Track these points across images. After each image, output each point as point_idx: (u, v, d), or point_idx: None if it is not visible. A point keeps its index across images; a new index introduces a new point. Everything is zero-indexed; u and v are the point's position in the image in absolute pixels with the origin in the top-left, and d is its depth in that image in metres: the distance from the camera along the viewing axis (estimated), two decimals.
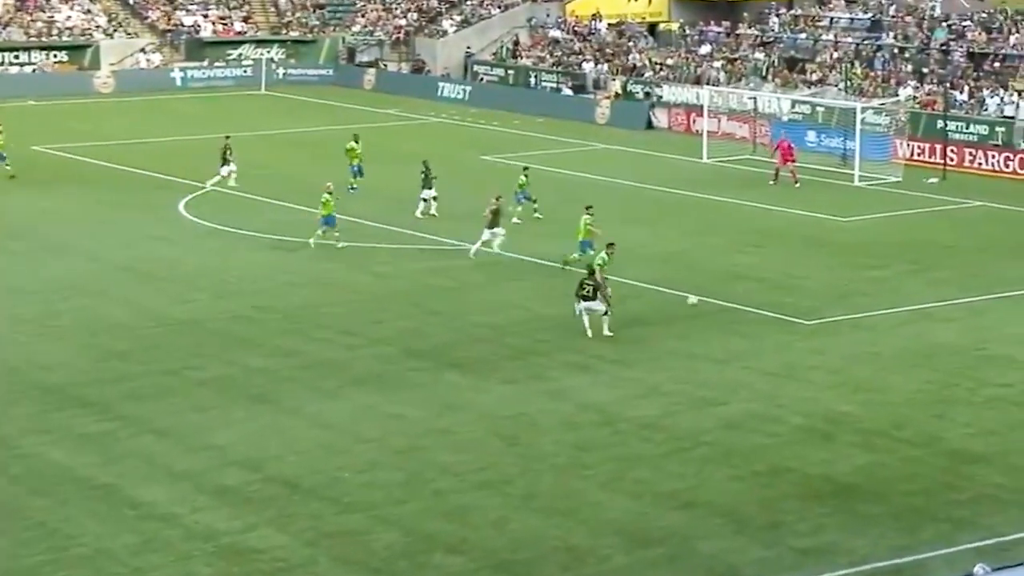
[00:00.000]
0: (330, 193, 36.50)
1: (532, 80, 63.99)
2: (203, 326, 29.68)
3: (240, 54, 70.27)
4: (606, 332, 28.79)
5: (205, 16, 71.96)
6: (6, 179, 45.27)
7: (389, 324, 30.07)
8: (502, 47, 66.99)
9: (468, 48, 68.19)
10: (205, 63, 69.30)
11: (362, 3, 74.19)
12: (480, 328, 29.82)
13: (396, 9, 72.94)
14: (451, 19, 70.43)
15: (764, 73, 57.14)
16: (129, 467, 22.20)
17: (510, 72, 65.09)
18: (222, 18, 72.29)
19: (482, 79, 65.91)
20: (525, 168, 41.17)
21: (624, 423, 24.21)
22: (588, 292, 29.03)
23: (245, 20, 72.46)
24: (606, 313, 28.78)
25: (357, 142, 44.18)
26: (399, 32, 70.67)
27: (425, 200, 40.07)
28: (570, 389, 25.93)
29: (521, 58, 65.93)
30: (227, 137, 44.62)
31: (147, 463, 22.37)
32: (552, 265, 34.47)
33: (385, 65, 69.63)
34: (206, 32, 71.05)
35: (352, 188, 42.95)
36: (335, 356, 27.88)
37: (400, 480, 21.78)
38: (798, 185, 43.93)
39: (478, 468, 22.28)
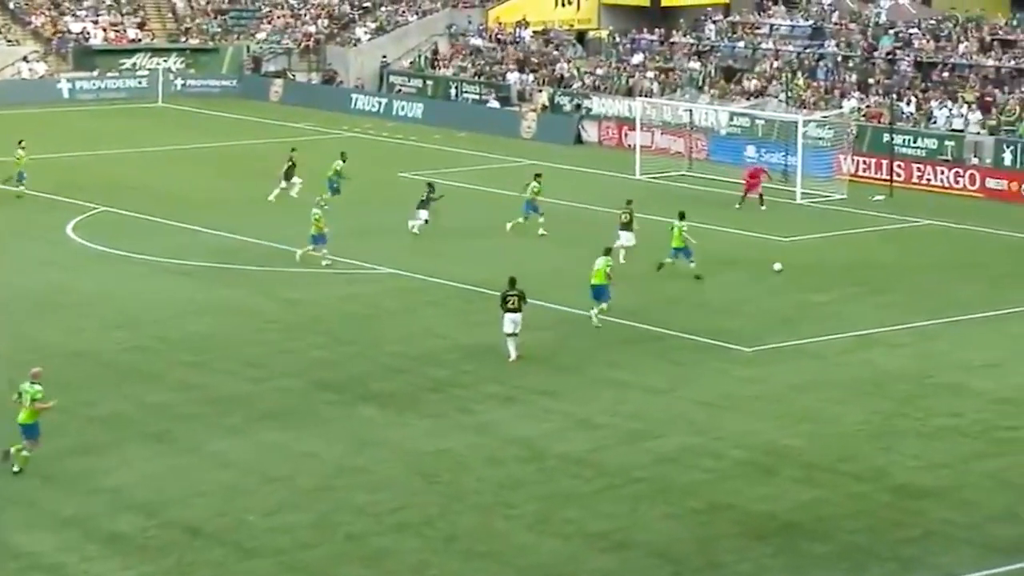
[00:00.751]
0: (321, 208, 37.07)
1: (453, 92, 64.26)
2: (95, 358, 29.45)
3: (134, 64, 69.88)
4: (514, 354, 29.13)
5: (95, 22, 71.45)
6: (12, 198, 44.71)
7: (299, 355, 30.02)
8: (420, 56, 67.22)
9: (383, 57, 68.35)
10: (95, 73, 68.80)
11: (268, 9, 74.14)
12: (397, 358, 29.86)
13: (305, 15, 72.96)
14: (365, 26, 70.57)
15: (700, 84, 57.82)
16: (11, 514, 21.97)
17: (429, 83, 65.32)
18: (114, 24, 71.84)
19: (399, 90, 66.09)
20: (537, 175, 41.69)
21: (552, 459, 24.33)
22: (513, 304, 29.22)
23: (140, 27, 72.06)
24: (514, 335, 29.08)
25: (344, 160, 45.16)
26: (308, 40, 70.67)
27: (426, 221, 40.53)
28: (494, 423, 26.06)
29: (441, 68, 66.20)
30: (293, 150, 46.42)
31: (31, 509, 22.15)
32: (474, 289, 34.57)
33: (293, 75, 69.58)
34: (96, 40, 70.55)
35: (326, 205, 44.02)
36: (240, 390, 27.78)
37: (310, 522, 21.75)
38: (764, 208, 44.32)
39: (395, 508, 22.31)
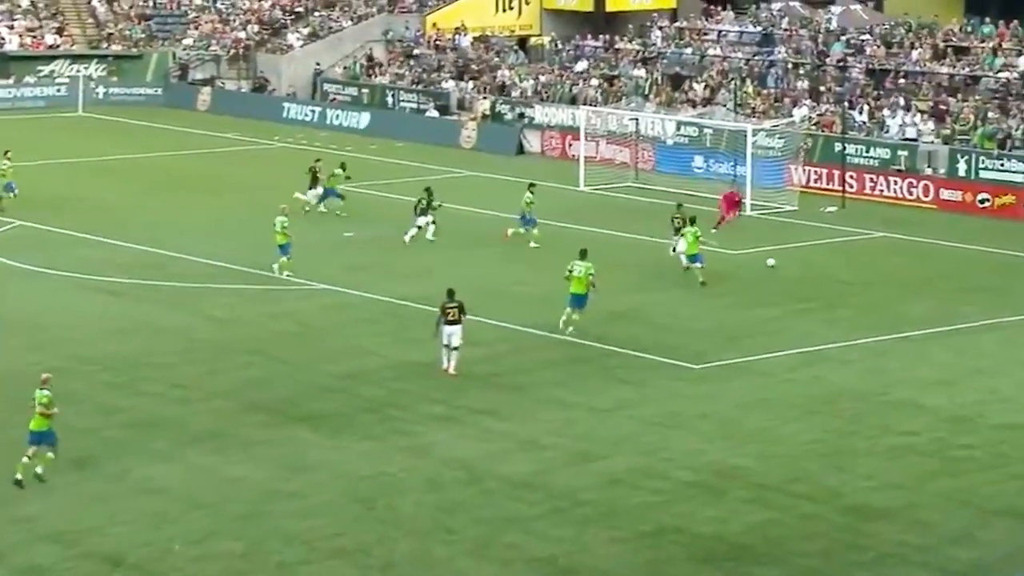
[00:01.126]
0: (286, 216, 37.37)
1: (390, 100, 64.29)
2: (11, 380, 29.17)
3: (53, 71, 69.34)
4: (451, 370, 29.39)
5: (10, 27, 70.84)
6: None
7: (228, 375, 29.91)
8: (355, 63, 67.20)
9: (317, 65, 68.25)
10: (11, 81, 68.23)
11: (195, 14, 73.84)
12: (331, 378, 29.81)
13: (234, 21, 72.73)
14: (297, 32, 70.46)
15: (646, 92, 58.16)
16: None
17: (365, 91, 65.28)
18: (31, 30, 71.23)
19: (333, 99, 66.01)
20: (531, 185, 42.19)
21: (494, 481, 24.37)
22: (453, 316, 29.32)
23: (59, 32, 71.51)
24: (455, 349, 29.34)
25: (344, 169, 45.79)
26: (238, 46, 70.44)
27: (419, 227, 40.88)
28: (433, 444, 26.07)
29: (377, 76, 66.21)
30: (317, 160, 46.70)
31: None
32: (410, 305, 34.57)
33: (222, 83, 69.33)
34: (12, 45, 69.94)
35: (332, 211, 44.79)
36: (166, 412, 27.65)
37: (240, 551, 21.66)
38: (715, 231, 43.61)
39: (330, 535, 22.26)
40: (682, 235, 37.69)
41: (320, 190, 45.29)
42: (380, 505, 23.43)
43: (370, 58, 67.30)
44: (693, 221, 37.56)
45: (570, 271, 32.27)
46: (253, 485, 24.17)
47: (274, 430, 26.78)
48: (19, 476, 23.74)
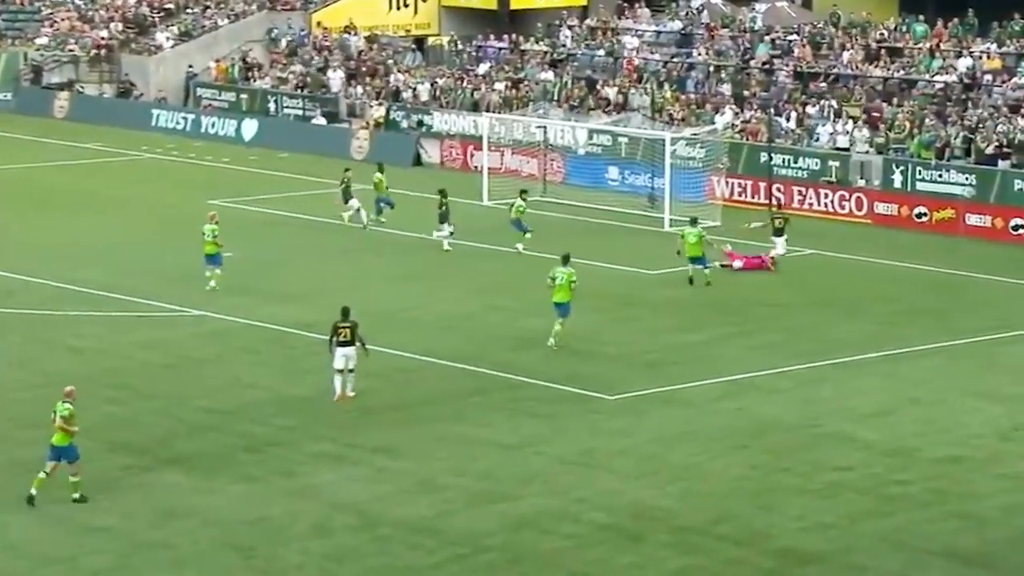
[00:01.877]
0: (216, 224, 37.91)
1: (273, 106, 64.06)
2: None
3: None
4: (349, 392, 29.77)
5: None
6: None
7: (90, 411, 29.43)
8: (233, 66, 66.88)
9: (190, 67, 67.84)
10: None
11: (49, 10, 73.07)
12: (207, 414, 29.63)
13: (95, 18, 72.07)
14: (167, 31, 69.98)
15: (555, 97, 58.44)
16: None
17: (244, 97, 65.03)
18: None
19: (208, 105, 65.63)
20: (523, 192, 43.84)
21: (388, 526, 24.30)
22: (345, 336, 29.58)
23: None
24: (351, 371, 29.74)
25: (382, 171, 47.47)
26: (100, 47, 69.81)
27: (451, 232, 43.32)
28: (321, 486, 25.95)
29: (257, 79, 65.94)
30: (347, 170, 47.86)
31: None
32: (296, 332, 34.36)
33: (82, 88, 68.66)
34: None
35: (379, 221, 46.37)
36: (15, 456, 27.23)
37: None
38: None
39: None
40: (682, 236, 39.65)
41: (355, 202, 46.25)
42: (260, 554, 23.25)
43: (244, 60, 66.93)
44: (695, 222, 39.52)
45: (552, 279, 33.74)
46: (116, 535, 23.89)
47: (141, 474, 26.50)
48: (33, 492, 24.64)
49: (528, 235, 43.15)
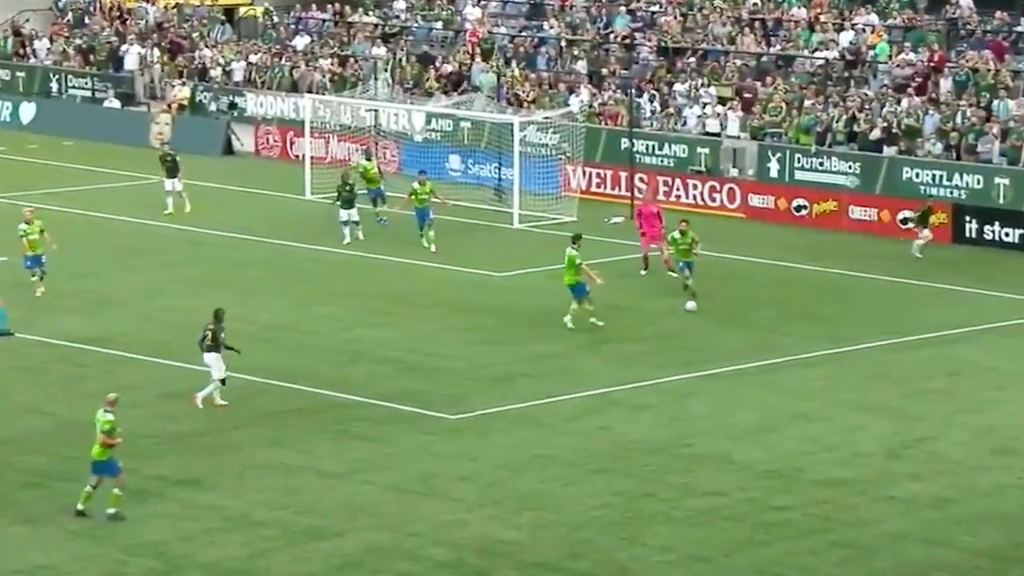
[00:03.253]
0: (28, 224, 37.97)
1: (56, 86, 63.14)
2: None
3: None
4: (219, 401, 30.52)
5: None
6: None
7: None
8: (5, 38, 65.75)
9: None
10: None
11: None
12: None
13: None
14: None
15: (388, 76, 58.29)
16: None
17: (20, 75, 63.99)
18: None
19: None
20: (421, 172, 44.24)
21: (195, 570, 24.01)
22: (210, 341, 30.55)
23: None
24: (223, 382, 30.53)
25: (370, 159, 47.46)
26: None
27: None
28: (116, 526, 25.60)
29: (35, 55, 64.89)
30: (349, 168, 47.47)
31: None
32: (87, 348, 33.97)
33: None
34: None
35: (381, 220, 46.06)
36: None
37: None
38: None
39: None
40: (671, 241, 39.85)
41: (355, 212, 45.58)
42: None
43: (18, 32, 65.65)
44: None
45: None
46: None
47: None
48: (80, 507, 25.71)
49: (432, 232, 43.56)
